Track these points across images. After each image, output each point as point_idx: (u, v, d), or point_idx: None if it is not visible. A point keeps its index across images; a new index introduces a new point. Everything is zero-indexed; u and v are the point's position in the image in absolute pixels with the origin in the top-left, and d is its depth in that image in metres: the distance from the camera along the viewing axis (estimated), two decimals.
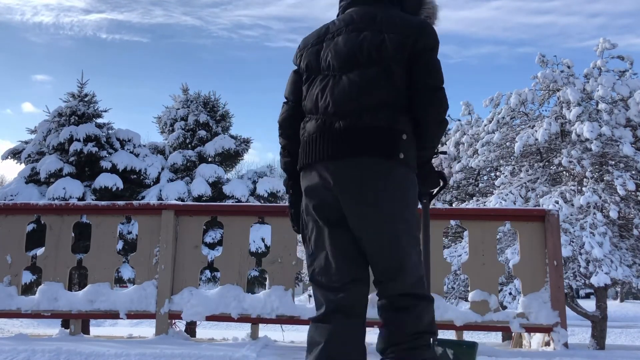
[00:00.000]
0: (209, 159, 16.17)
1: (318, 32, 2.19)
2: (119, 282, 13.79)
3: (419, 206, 2.20)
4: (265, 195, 15.46)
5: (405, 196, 1.99)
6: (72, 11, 61.84)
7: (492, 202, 11.53)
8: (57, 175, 14.26)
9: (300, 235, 2.18)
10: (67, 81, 69.20)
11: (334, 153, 1.96)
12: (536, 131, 11.83)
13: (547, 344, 4.06)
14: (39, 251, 4.35)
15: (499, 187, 12.48)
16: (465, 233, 9.90)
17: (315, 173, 2.02)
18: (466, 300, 8.46)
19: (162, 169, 15.89)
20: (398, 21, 2.03)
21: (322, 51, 2.10)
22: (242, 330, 4.87)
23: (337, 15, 2.21)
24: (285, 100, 2.24)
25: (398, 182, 1.96)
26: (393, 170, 1.95)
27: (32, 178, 14.85)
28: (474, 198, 13.53)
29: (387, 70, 1.98)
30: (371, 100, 1.96)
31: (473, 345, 3.09)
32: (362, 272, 2.10)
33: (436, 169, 2.22)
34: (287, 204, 2.31)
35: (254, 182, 15.92)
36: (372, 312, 3.99)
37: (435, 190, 2.32)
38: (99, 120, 15.91)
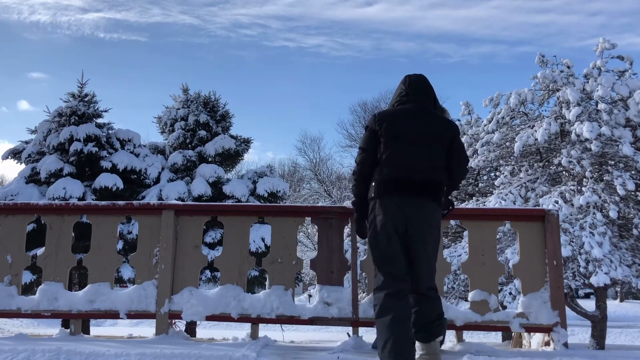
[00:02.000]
0: (209, 159, 16.17)
1: (394, 112, 3.31)
2: (119, 282, 13.78)
3: None
4: (265, 195, 15.46)
5: (440, 226, 3.29)
6: (69, 10, 61.43)
7: (492, 202, 11.54)
8: (57, 175, 14.26)
9: (369, 238, 3.21)
10: (64, 80, 68.74)
11: (410, 194, 3.10)
12: (536, 131, 11.83)
13: (547, 343, 4.06)
14: (39, 251, 4.35)
15: (498, 187, 12.48)
16: (465, 233, 9.90)
17: (394, 203, 3.10)
18: (466, 300, 8.47)
19: (162, 169, 15.89)
20: (447, 122, 3.32)
21: (401, 127, 3.21)
22: (242, 330, 4.87)
23: (399, 100, 3.37)
24: (364, 149, 3.28)
25: (439, 217, 3.24)
26: (438, 209, 3.22)
27: (32, 178, 14.85)
28: (473, 198, 13.53)
29: (442, 148, 3.23)
30: (434, 165, 3.19)
31: None
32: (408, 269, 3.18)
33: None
34: (356, 216, 3.39)
35: (254, 182, 15.91)
36: (371, 312, 4.00)
37: (447, 212, 3.48)
38: (99, 120, 15.90)
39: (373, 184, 3.17)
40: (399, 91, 3.41)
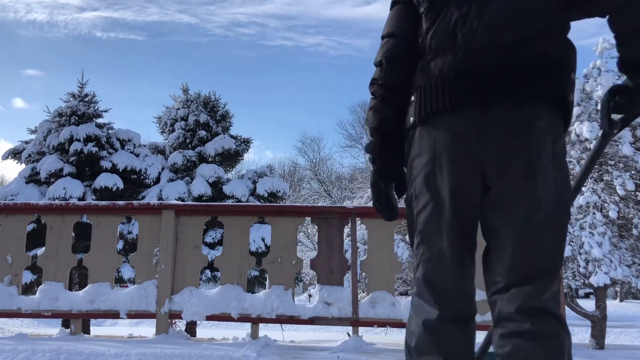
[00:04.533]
0: (209, 159, 16.19)
1: None
2: (119, 281, 13.78)
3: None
4: (265, 195, 15.46)
5: (565, 166, 1.48)
6: (66, 9, 61.15)
7: None
8: (57, 175, 14.28)
9: (406, 206, 1.60)
10: (60, 77, 68.07)
11: (485, 97, 1.43)
12: None
13: None
14: (40, 251, 4.36)
15: None
16: None
17: (447, 126, 1.47)
18: None
19: (162, 169, 15.90)
20: None
21: None
22: (242, 330, 4.87)
23: None
24: (389, 34, 1.67)
25: (562, 143, 1.47)
26: (558, 125, 1.47)
27: (33, 178, 14.86)
28: None
29: None
30: (533, 25, 1.46)
31: None
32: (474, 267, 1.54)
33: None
34: (371, 180, 1.69)
35: (254, 182, 15.93)
36: (371, 313, 4.01)
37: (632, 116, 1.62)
38: (99, 120, 15.93)
39: (412, 97, 1.57)
40: None
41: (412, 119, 1.56)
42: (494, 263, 1.45)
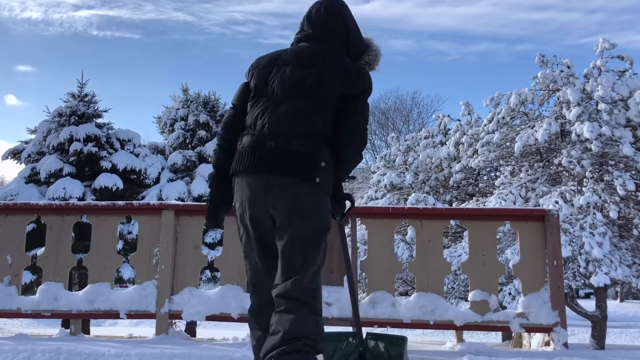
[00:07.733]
0: (209, 159, 16.18)
1: (271, 56, 2.45)
2: (119, 282, 13.79)
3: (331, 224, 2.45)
4: None
5: (316, 214, 2.27)
6: (61, 7, 60.98)
7: (492, 202, 11.53)
8: (57, 175, 14.27)
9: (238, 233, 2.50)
10: (55, 75, 67.64)
11: (261, 169, 2.23)
12: (536, 131, 11.83)
13: (547, 343, 4.06)
14: (39, 251, 4.35)
15: (498, 187, 12.47)
16: (465, 233, 9.90)
17: (247, 183, 2.28)
18: (466, 300, 8.47)
19: (162, 169, 15.91)
20: (339, 64, 2.34)
21: (271, 76, 2.36)
22: (242, 330, 4.87)
23: (292, 45, 2.52)
24: (233, 106, 2.49)
25: (311, 201, 2.25)
26: (309, 191, 2.24)
27: (32, 178, 14.86)
28: (474, 198, 13.52)
29: (321, 105, 2.27)
30: (301, 129, 2.25)
31: (403, 339, 3.13)
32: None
33: (345, 192, 2.57)
34: (207, 198, 2.51)
35: None
36: (371, 313, 4.01)
37: (346, 210, 2.64)
38: (99, 120, 15.94)
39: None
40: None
41: (232, 169, 2.36)
42: (279, 266, 2.26)
